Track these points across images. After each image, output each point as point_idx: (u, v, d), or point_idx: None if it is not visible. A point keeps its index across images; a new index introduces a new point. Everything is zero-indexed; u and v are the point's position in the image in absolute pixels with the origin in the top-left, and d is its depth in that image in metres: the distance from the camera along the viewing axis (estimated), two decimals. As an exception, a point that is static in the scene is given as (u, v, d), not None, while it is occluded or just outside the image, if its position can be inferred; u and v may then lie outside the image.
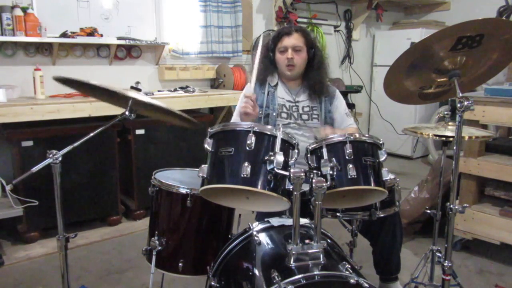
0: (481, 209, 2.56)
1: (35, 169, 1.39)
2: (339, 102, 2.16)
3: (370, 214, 1.66)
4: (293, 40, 2.01)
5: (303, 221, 1.50)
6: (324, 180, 1.25)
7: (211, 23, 3.83)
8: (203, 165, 1.35)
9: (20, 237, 2.81)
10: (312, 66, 2.08)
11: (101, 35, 3.22)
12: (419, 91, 1.63)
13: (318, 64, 2.09)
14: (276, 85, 2.13)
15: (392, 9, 5.64)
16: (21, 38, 2.85)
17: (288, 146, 1.37)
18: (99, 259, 2.60)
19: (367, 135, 1.48)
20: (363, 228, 1.91)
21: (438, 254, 1.96)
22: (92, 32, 3.17)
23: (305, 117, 2.08)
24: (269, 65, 2.12)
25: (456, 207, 1.54)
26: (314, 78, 2.08)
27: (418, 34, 4.86)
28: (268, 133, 1.34)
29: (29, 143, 2.71)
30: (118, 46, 3.39)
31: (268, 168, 1.28)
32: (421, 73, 1.52)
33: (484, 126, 2.52)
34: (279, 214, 1.57)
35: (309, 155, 1.46)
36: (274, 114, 2.07)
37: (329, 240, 1.48)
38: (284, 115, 2.08)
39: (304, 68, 2.09)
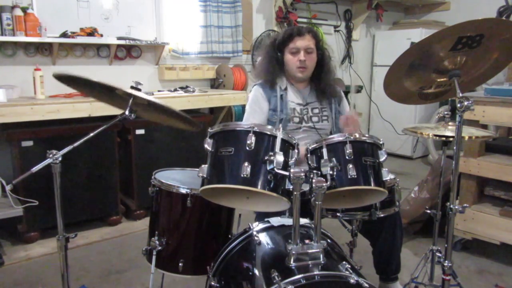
0: (481, 209, 2.56)
1: (35, 169, 1.39)
2: (345, 103, 2.20)
3: (370, 214, 1.66)
4: (306, 41, 1.98)
5: (303, 221, 1.50)
6: (324, 180, 1.25)
7: (211, 23, 3.83)
8: (203, 165, 1.35)
9: (20, 237, 2.81)
10: (321, 67, 2.06)
11: (101, 35, 3.22)
12: (419, 91, 1.63)
13: (328, 66, 2.08)
14: (286, 88, 2.08)
15: (392, 9, 5.64)
16: (21, 38, 2.85)
17: (288, 146, 1.36)
18: (99, 259, 2.60)
19: (367, 135, 1.48)
20: (363, 228, 1.91)
21: (438, 254, 1.96)
22: (92, 32, 3.17)
23: (315, 119, 2.06)
24: (277, 66, 2.06)
25: (456, 207, 1.54)
26: (324, 80, 2.06)
27: (418, 34, 4.86)
28: (268, 133, 1.34)
29: (29, 143, 2.71)
30: (118, 46, 3.39)
31: (268, 168, 1.28)
32: (421, 73, 1.52)
33: (484, 126, 2.52)
34: (279, 214, 1.57)
35: (309, 155, 1.46)
36: (287, 118, 2.02)
37: (329, 240, 1.48)
38: (296, 119, 2.03)
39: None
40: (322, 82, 2.07)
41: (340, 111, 2.14)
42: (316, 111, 2.08)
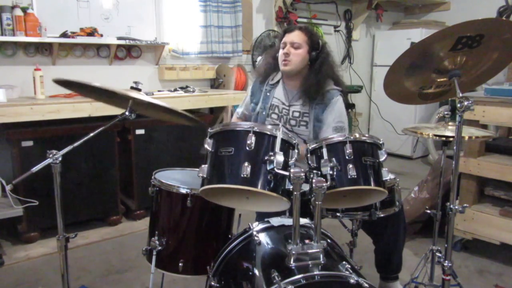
0: (481, 209, 2.56)
1: (35, 169, 1.39)
2: (333, 112, 1.99)
3: (370, 214, 1.66)
4: (292, 36, 2.00)
5: (303, 221, 1.50)
6: (324, 180, 1.25)
7: (211, 23, 3.83)
8: (203, 165, 1.35)
9: (20, 237, 2.81)
10: (313, 68, 2.02)
11: (101, 35, 3.22)
12: (419, 91, 1.63)
13: (321, 66, 2.00)
14: (276, 84, 2.12)
15: (392, 9, 5.64)
16: (21, 38, 2.85)
17: (288, 146, 1.36)
18: (99, 259, 2.60)
19: (367, 135, 1.48)
20: (366, 226, 1.91)
21: (438, 254, 1.95)
22: (92, 32, 3.17)
23: (292, 122, 2.04)
24: (274, 64, 2.11)
25: (456, 207, 1.54)
26: (311, 81, 1.99)
27: (418, 34, 4.86)
28: (268, 133, 1.34)
29: (29, 143, 2.70)
30: (118, 46, 3.39)
31: (268, 168, 1.28)
32: (421, 73, 1.52)
33: (484, 126, 2.52)
34: (279, 214, 1.57)
35: (309, 155, 1.46)
36: (264, 113, 2.07)
37: (329, 240, 1.48)
38: (274, 116, 2.07)
39: (305, 69, 2.03)
40: (308, 82, 2.00)
41: (322, 119, 1.99)
42: (296, 114, 2.04)
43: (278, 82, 2.12)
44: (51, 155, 1.41)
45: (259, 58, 4.19)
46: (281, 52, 2.03)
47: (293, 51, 1.99)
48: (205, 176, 1.33)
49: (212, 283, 1.46)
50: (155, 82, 3.74)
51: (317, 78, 1.99)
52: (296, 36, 2.00)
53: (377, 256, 2.04)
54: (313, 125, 2.00)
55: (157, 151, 3.24)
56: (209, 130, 1.41)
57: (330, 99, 2.01)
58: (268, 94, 2.10)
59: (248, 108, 2.22)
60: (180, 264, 1.66)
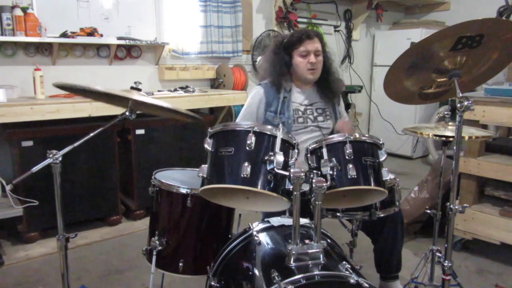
0: (481, 209, 2.56)
1: (35, 169, 1.39)
2: (341, 98, 2.28)
3: (370, 214, 1.66)
4: (316, 44, 2.04)
5: (303, 221, 1.50)
6: (324, 180, 1.25)
7: (211, 23, 3.83)
8: (203, 165, 1.35)
9: (20, 237, 2.81)
10: (326, 69, 2.12)
11: (101, 35, 3.22)
12: (419, 91, 1.63)
13: (332, 67, 2.14)
14: (290, 90, 2.11)
15: (392, 9, 5.64)
16: (21, 38, 2.85)
17: (288, 146, 1.37)
18: (99, 259, 2.60)
19: (367, 135, 1.48)
20: (365, 226, 1.91)
21: (438, 254, 1.95)
22: (92, 32, 3.17)
23: (320, 118, 2.12)
24: (284, 69, 2.08)
25: (456, 207, 1.54)
26: (330, 81, 2.13)
27: (418, 34, 4.86)
28: (268, 133, 1.34)
29: (29, 143, 2.71)
30: (118, 46, 3.39)
31: (268, 168, 1.28)
32: (421, 73, 1.52)
33: (484, 126, 2.52)
34: (284, 214, 1.57)
35: (309, 155, 1.47)
36: (290, 121, 2.04)
37: (329, 240, 1.48)
38: (300, 119, 2.08)
39: None
40: (326, 82, 2.13)
41: (340, 111, 2.22)
42: (320, 111, 2.14)
43: (291, 88, 2.12)
44: (51, 155, 1.41)
45: (259, 58, 4.18)
46: (302, 60, 2.03)
47: (317, 59, 2.05)
48: (205, 176, 1.33)
49: (212, 283, 1.46)
50: (155, 82, 3.74)
51: (333, 77, 2.14)
52: (317, 43, 2.04)
53: (377, 256, 2.04)
54: (335, 116, 2.15)
55: (157, 151, 3.24)
56: (209, 130, 1.41)
57: (339, 89, 2.21)
58: (288, 101, 2.08)
59: (259, 118, 2.10)
60: (180, 264, 1.66)
